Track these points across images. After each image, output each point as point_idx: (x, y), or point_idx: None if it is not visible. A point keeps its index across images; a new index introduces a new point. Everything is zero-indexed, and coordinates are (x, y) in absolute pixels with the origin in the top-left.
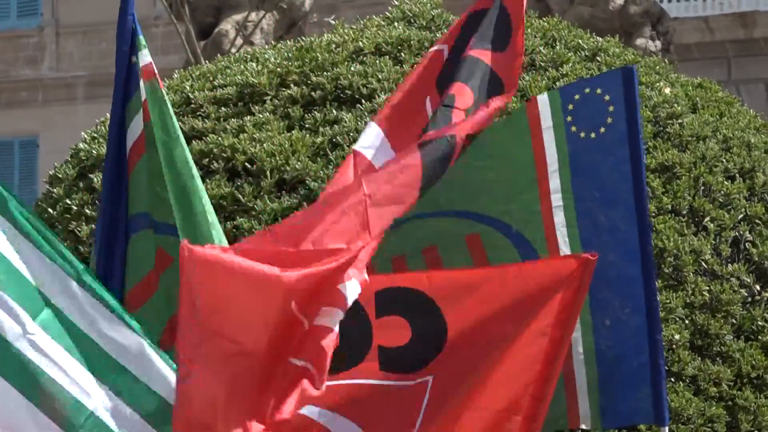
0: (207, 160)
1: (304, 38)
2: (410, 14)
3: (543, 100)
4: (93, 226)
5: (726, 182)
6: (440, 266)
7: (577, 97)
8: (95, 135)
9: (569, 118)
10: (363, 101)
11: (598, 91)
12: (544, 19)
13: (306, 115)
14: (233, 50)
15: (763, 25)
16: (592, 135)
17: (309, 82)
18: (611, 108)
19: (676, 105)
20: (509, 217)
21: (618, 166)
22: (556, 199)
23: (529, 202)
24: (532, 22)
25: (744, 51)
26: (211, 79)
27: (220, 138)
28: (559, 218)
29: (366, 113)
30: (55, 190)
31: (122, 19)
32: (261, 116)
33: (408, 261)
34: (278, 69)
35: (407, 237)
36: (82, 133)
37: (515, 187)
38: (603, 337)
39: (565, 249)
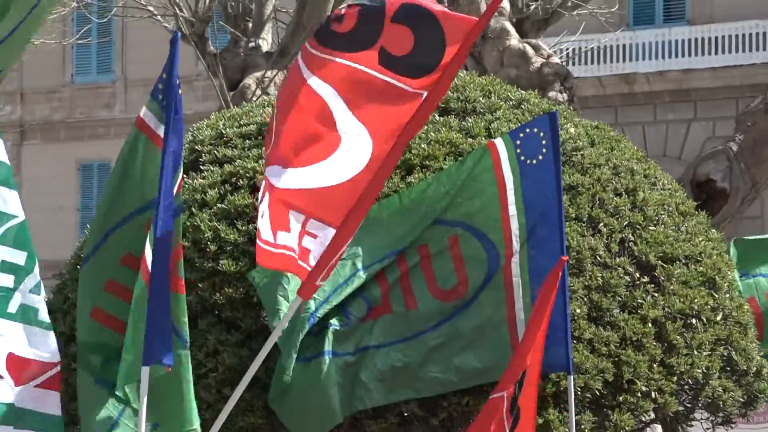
0: (234, 178)
1: None
2: None
3: (499, 141)
4: None
5: (615, 198)
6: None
7: (522, 135)
8: None
9: (518, 150)
10: None
11: (535, 130)
12: (483, 77)
13: None
14: (254, 99)
15: (641, 83)
16: (534, 162)
17: None
18: (544, 142)
19: (578, 141)
20: (479, 223)
21: (548, 185)
22: (512, 209)
23: (494, 212)
24: (474, 79)
25: (627, 102)
26: (238, 119)
27: (244, 162)
28: (514, 224)
29: None
30: None
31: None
32: None
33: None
34: None
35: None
36: None
37: (484, 201)
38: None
39: (516, 247)
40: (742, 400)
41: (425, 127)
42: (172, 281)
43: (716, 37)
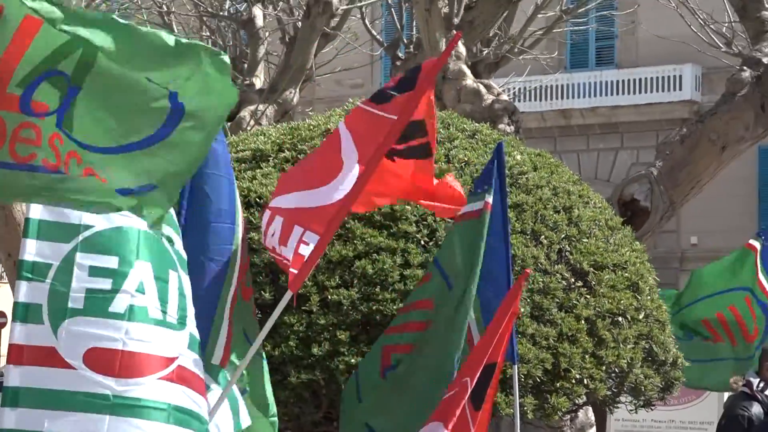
0: None
1: (293, 122)
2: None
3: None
4: None
5: (554, 214)
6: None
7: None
8: None
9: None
10: None
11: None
12: (442, 111)
13: None
14: (248, 128)
15: (576, 117)
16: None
17: (296, 148)
18: (494, 169)
19: (523, 166)
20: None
21: (498, 205)
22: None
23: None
24: (435, 113)
25: (564, 133)
26: (235, 146)
27: (240, 182)
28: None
29: None
30: None
31: None
32: (266, 169)
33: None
34: (277, 140)
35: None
36: None
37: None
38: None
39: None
40: (660, 386)
41: None
42: (243, 290)
43: (640, 79)
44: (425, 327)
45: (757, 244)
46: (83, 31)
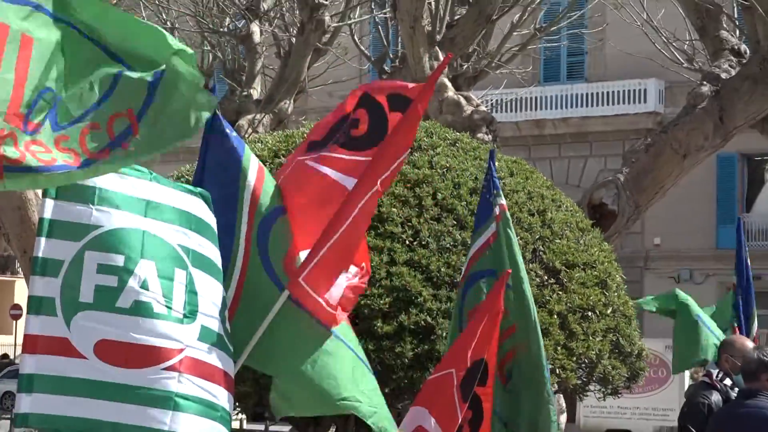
0: None
1: (287, 130)
2: None
3: None
4: None
5: (529, 217)
6: None
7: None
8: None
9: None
10: None
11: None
12: (426, 121)
13: None
14: (246, 136)
15: (549, 127)
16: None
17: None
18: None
19: (501, 172)
20: None
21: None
22: None
23: None
24: (419, 123)
25: (538, 142)
26: None
27: None
28: None
29: None
30: None
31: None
32: None
33: None
34: (273, 147)
35: None
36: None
37: None
38: None
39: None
40: (626, 375)
41: None
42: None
43: (607, 92)
44: (512, 332)
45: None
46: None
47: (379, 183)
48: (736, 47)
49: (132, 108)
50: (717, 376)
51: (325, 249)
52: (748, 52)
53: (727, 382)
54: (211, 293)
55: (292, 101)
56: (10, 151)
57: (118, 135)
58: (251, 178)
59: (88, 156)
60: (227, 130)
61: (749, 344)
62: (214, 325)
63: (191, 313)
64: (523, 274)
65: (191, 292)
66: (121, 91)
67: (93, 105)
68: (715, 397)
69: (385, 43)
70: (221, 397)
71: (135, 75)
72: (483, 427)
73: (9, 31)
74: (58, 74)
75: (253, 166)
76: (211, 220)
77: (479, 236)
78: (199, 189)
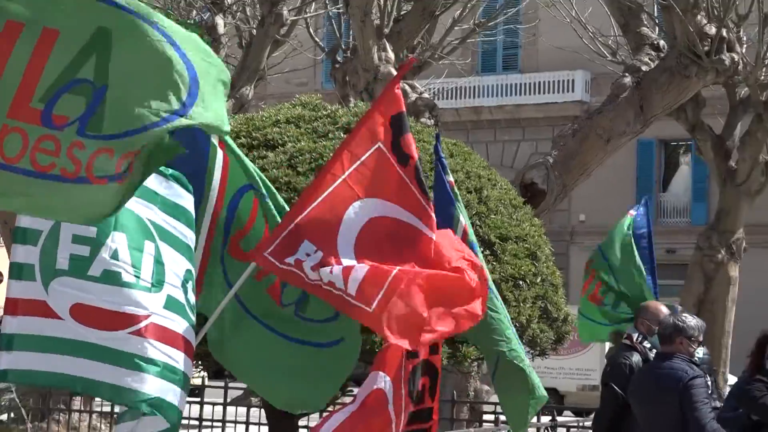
0: None
1: (248, 113)
2: (304, 103)
3: None
4: None
5: (467, 194)
6: None
7: None
8: None
9: None
10: (278, 147)
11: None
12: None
13: (249, 153)
14: None
15: (486, 113)
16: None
17: (251, 136)
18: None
19: (442, 153)
20: None
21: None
22: None
23: None
24: (368, 107)
25: (475, 126)
26: None
27: None
28: None
29: (280, 154)
30: None
31: None
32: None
33: None
34: (235, 129)
35: None
36: None
37: None
38: None
39: None
40: (553, 338)
41: (333, 141)
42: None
43: (539, 82)
44: None
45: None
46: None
47: (353, 168)
48: (655, 42)
49: (140, 149)
50: (637, 339)
51: (291, 225)
52: (666, 47)
53: (646, 344)
54: (176, 266)
55: (252, 87)
56: (9, 149)
57: (123, 171)
58: (219, 159)
59: (87, 176)
60: None
61: (663, 309)
62: (179, 296)
63: (158, 283)
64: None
65: (158, 263)
66: (154, 134)
67: (127, 132)
68: (636, 358)
69: (338, 35)
70: (181, 361)
71: (183, 123)
72: (437, 392)
73: (23, 29)
74: (97, 64)
75: (219, 158)
76: (183, 199)
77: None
78: (171, 170)
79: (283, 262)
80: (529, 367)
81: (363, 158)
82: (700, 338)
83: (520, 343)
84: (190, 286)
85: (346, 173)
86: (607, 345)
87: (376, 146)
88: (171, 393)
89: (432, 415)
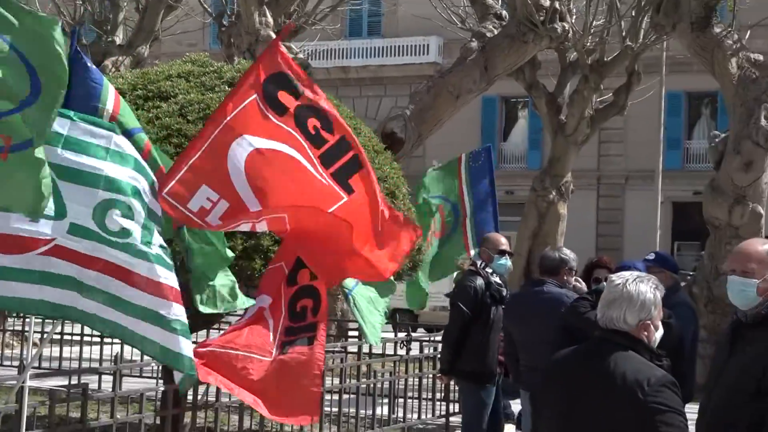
0: None
1: (144, 69)
2: (193, 60)
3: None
4: None
5: None
6: None
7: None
8: None
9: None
10: (170, 98)
11: None
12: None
13: (145, 103)
14: (110, 73)
15: (353, 73)
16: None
17: (147, 89)
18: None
19: None
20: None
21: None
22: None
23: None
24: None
25: (344, 84)
26: None
27: None
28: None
29: (172, 104)
30: None
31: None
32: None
33: None
34: (132, 82)
35: None
36: None
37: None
38: None
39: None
40: (409, 266)
41: (219, 94)
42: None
43: (399, 46)
44: None
45: (463, 157)
46: None
47: (233, 114)
48: (498, 12)
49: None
50: (480, 265)
51: (186, 167)
52: (507, 16)
53: (488, 269)
54: (80, 198)
55: (148, 47)
56: None
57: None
58: (109, 103)
59: None
60: (88, 64)
61: (503, 240)
62: (84, 222)
63: (60, 211)
64: None
65: (58, 196)
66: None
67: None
68: (479, 281)
69: (224, 2)
70: (84, 276)
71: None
72: (321, 310)
73: None
74: None
75: (111, 93)
76: (85, 134)
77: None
78: (71, 111)
79: (185, 207)
80: (376, 294)
81: (241, 107)
82: (576, 269)
83: None
84: (91, 211)
85: (227, 118)
86: (456, 272)
87: (253, 97)
88: (69, 298)
89: (317, 327)
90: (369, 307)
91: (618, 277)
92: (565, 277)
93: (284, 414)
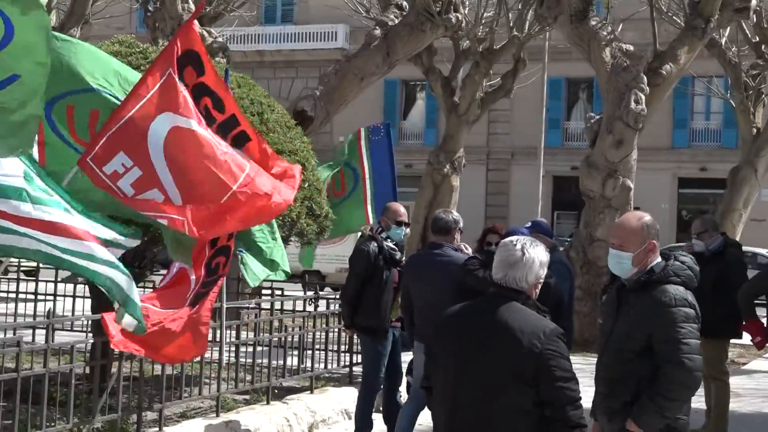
0: None
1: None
2: (120, 41)
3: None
4: None
5: (251, 117)
6: None
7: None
8: None
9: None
10: None
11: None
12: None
13: None
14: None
15: (268, 56)
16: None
17: None
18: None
19: (232, 84)
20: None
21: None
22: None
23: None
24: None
25: (260, 66)
26: None
27: None
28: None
29: None
30: None
31: None
32: None
33: None
34: None
35: None
36: None
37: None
38: None
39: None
40: (317, 231)
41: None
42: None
43: (310, 32)
44: None
45: (362, 131)
46: None
47: (155, 89)
48: (399, 3)
49: None
50: (377, 230)
51: (107, 134)
52: (407, 6)
53: (383, 235)
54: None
55: (79, 29)
56: None
57: None
58: None
59: None
60: None
61: (401, 209)
62: (17, 183)
63: None
64: None
65: None
66: None
67: None
68: (373, 245)
69: None
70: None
71: None
72: (228, 266)
73: None
74: None
75: None
76: None
77: None
78: None
79: (101, 170)
80: (272, 249)
81: (161, 82)
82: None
83: (270, 232)
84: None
85: (149, 94)
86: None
87: (168, 72)
88: (11, 240)
89: (219, 280)
90: (255, 261)
91: (516, 241)
92: (456, 236)
93: (182, 356)
